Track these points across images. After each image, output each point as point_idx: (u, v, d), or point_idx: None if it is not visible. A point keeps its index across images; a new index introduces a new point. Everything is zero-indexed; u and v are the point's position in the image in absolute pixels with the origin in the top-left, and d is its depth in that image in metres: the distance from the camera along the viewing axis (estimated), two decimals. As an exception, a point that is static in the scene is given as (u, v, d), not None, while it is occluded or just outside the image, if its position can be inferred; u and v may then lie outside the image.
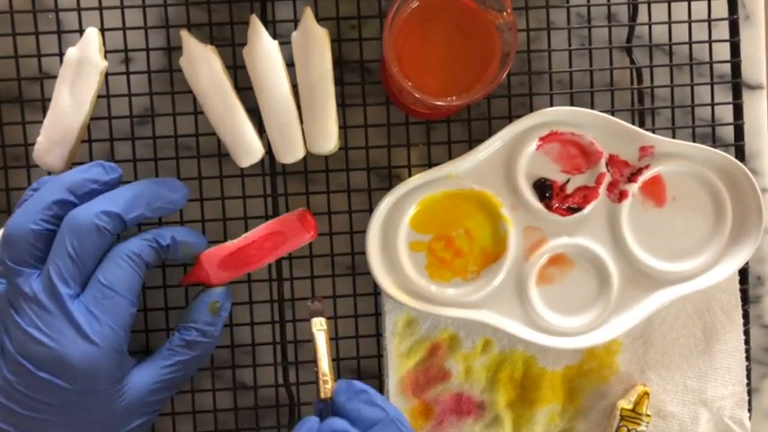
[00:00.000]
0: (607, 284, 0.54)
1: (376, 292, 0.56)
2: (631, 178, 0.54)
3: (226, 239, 0.55)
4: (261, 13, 0.55)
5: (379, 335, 0.56)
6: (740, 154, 0.57)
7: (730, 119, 0.57)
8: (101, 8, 0.54)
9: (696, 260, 0.55)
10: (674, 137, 0.57)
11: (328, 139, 0.52)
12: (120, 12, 0.54)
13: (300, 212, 0.51)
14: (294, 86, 0.52)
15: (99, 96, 0.52)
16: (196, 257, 0.51)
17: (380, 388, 0.56)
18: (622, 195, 0.54)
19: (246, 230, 0.55)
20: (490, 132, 0.54)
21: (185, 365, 0.50)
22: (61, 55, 0.53)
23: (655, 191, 0.55)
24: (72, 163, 0.52)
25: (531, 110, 0.55)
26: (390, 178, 0.56)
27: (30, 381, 0.46)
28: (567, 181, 0.54)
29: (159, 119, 0.55)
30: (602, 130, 0.54)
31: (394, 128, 0.56)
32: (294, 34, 0.52)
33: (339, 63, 0.55)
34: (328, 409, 0.47)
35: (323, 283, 0.56)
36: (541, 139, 0.53)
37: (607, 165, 0.54)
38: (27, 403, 0.46)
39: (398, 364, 0.55)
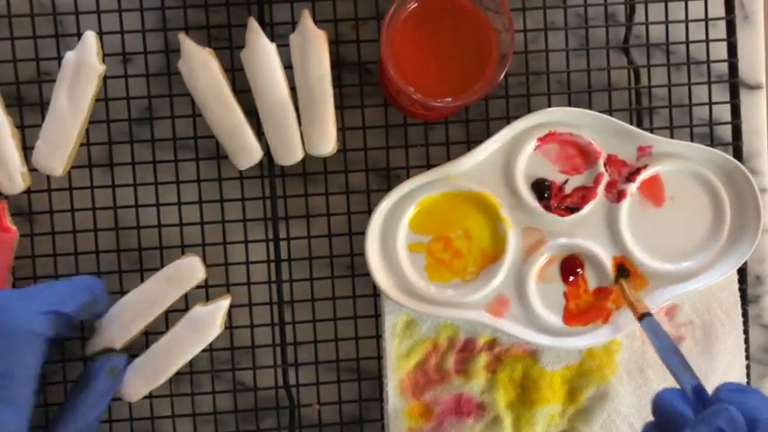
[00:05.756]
0: (605, 285, 0.54)
1: (375, 293, 0.56)
2: (630, 178, 0.54)
3: (225, 241, 0.55)
4: (259, 16, 0.55)
5: (378, 336, 0.56)
6: (738, 153, 0.57)
7: (728, 118, 0.57)
8: (98, 11, 0.54)
9: (695, 260, 0.55)
10: (672, 136, 0.57)
11: (326, 141, 0.52)
12: (118, 15, 0.54)
13: None
14: (292, 88, 0.52)
15: (97, 99, 0.52)
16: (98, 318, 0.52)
17: (380, 389, 0.56)
18: (621, 195, 0.54)
19: (246, 233, 0.55)
20: (488, 133, 0.54)
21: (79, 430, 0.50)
22: (59, 58, 0.53)
23: (653, 191, 0.55)
24: (71, 166, 0.52)
25: (530, 110, 0.55)
26: (389, 179, 0.56)
27: None
28: (566, 181, 0.54)
29: (158, 121, 0.55)
30: (600, 130, 0.54)
31: (392, 129, 0.56)
32: (292, 36, 0.52)
33: (337, 64, 0.55)
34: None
35: (322, 285, 0.56)
36: (540, 139, 0.53)
37: (605, 165, 0.54)
38: None
39: (398, 365, 0.55)
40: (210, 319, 0.52)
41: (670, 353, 0.47)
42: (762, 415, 0.41)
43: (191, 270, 0.52)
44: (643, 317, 0.51)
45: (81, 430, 0.50)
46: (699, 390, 0.44)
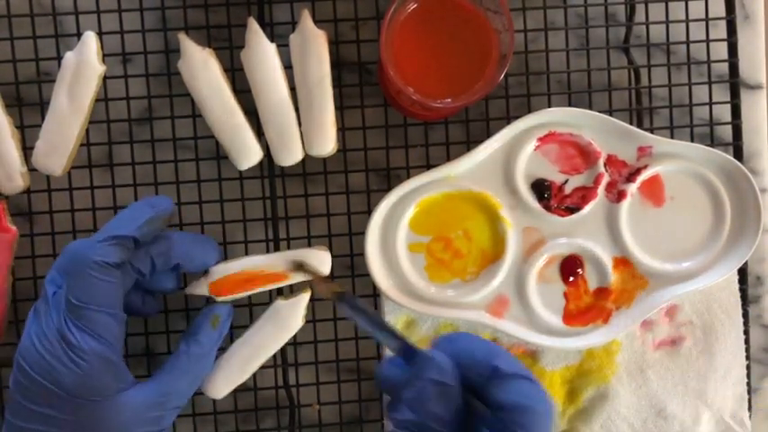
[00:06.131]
0: (606, 285, 0.54)
1: (375, 293, 0.56)
2: (630, 178, 0.54)
3: (225, 241, 0.55)
4: (258, 16, 0.55)
5: (378, 336, 0.56)
6: (738, 153, 0.57)
7: (729, 118, 0.57)
8: (98, 12, 0.54)
9: (695, 260, 0.55)
10: (672, 137, 0.57)
11: (326, 141, 0.52)
12: (118, 15, 0.54)
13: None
14: (292, 88, 0.52)
15: (97, 99, 0.52)
16: (206, 270, 0.52)
17: (380, 390, 0.56)
18: (621, 195, 0.54)
19: (246, 233, 0.55)
20: (488, 133, 0.54)
21: (182, 379, 0.50)
22: (59, 58, 0.53)
23: (653, 191, 0.55)
24: (70, 166, 0.52)
25: (530, 110, 0.55)
26: (389, 179, 0.56)
27: (28, 381, 0.46)
28: (566, 181, 0.54)
29: (158, 121, 0.55)
30: (600, 131, 0.54)
31: (392, 129, 0.56)
32: (292, 36, 0.52)
33: (337, 64, 0.55)
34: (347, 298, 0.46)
35: (322, 285, 0.56)
36: (540, 139, 0.53)
37: (605, 165, 0.54)
38: (32, 400, 0.46)
39: (398, 365, 0.55)
40: (293, 312, 0.52)
41: (374, 324, 0.45)
42: (467, 358, 0.43)
43: (319, 262, 0.52)
44: (340, 298, 0.47)
45: (184, 378, 0.50)
46: (405, 348, 0.44)
